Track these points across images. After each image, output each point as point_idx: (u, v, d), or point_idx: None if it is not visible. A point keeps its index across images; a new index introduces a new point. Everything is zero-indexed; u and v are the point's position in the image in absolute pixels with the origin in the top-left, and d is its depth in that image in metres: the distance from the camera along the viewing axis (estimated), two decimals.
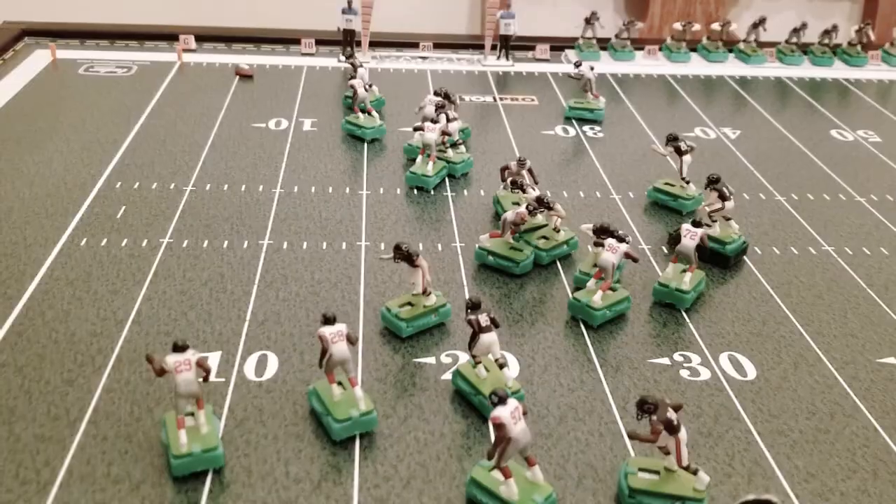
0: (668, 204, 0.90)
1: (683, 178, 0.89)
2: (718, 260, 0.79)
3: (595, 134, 1.09)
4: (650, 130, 1.11)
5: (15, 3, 1.42)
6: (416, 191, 0.91)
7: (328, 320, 0.56)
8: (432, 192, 0.91)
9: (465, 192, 0.92)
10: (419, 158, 0.93)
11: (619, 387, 0.63)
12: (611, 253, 0.69)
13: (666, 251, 0.82)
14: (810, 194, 0.95)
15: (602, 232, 0.72)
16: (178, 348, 0.53)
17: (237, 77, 1.20)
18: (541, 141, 1.07)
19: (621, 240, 0.70)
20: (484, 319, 0.59)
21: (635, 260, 0.70)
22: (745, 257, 0.81)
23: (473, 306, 0.59)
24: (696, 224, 0.73)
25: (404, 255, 0.66)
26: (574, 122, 1.12)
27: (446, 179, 0.94)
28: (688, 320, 0.71)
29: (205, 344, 0.65)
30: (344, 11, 1.24)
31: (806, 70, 1.37)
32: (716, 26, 1.38)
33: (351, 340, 0.57)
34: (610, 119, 1.14)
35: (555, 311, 0.72)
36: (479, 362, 0.60)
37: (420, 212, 0.87)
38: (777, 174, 1.00)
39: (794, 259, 0.82)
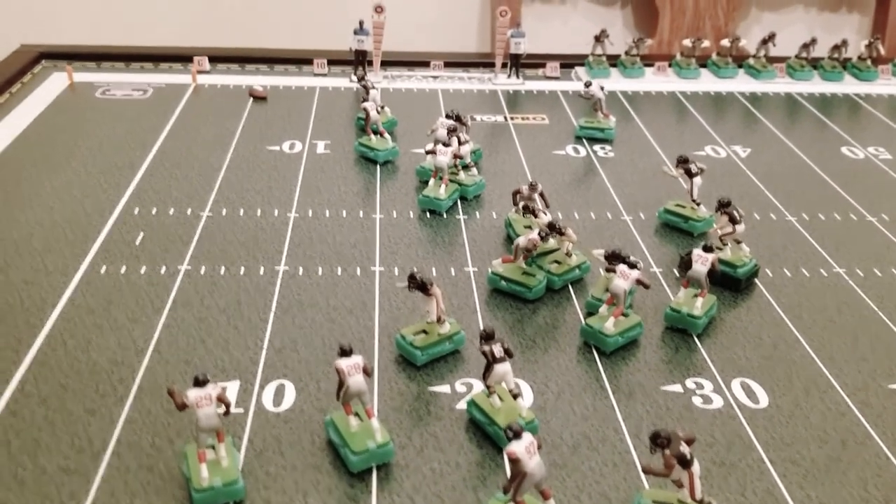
0: (679, 226, 0.90)
1: (694, 200, 0.90)
2: (730, 283, 0.80)
3: (606, 153, 1.10)
4: (661, 149, 1.11)
5: (32, 26, 1.44)
6: (428, 214, 0.92)
7: (345, 352, 0.57)
8: (445, 215, 0.92)
9: (478, 214, 0.93)
10: (431, 181, 0.94)
11: (631, 414, 0.64)
12: (622, 279, 0.70)
13: (677, 274, 0.83)
14: (821, 214, 0.96)
15: (613, 258, 0.72)
16: (199, 383, 0.54)
17: (251, 98, 1.22)
18: (552, 161, 1.08)
19: (632, 266, 0.70)
20: (498, 350, 0.60)
21: (646, 286, 0.71)
22: (756, 280, 0.82)
23: (487, 336, 0.60)
24: (707, 249, 0.73)
25: (419, 285, 0.67)
26: (585, 141, 1.13)
27: (458, 202, 0.95)
28: (700, 346, 0.72)
29: (223, 373, 0.66)
30: (356, 32, 1.26)
31: (816, 85, 1.38)
32: (725, 42, 1.38)
33: (367, 372, 0.58)
34: (620, 138, 1.15)
35: (567, 336, 0.73)
36: (494, 392, 0.61)
37: (433, 235, 0.88)
38: (788, 193, 1.00)
39: (805, 281, 0.82)
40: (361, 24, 1.25)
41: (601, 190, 1.00)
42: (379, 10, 1.24)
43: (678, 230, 0.91)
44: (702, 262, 0.73)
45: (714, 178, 1.02)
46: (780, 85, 1.37)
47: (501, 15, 1.25)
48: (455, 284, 0.80)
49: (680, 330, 0.74)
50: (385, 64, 1.35)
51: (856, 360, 0.71)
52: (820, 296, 0.80)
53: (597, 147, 1.12)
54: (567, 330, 0.73)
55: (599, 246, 0.85)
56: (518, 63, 1.32)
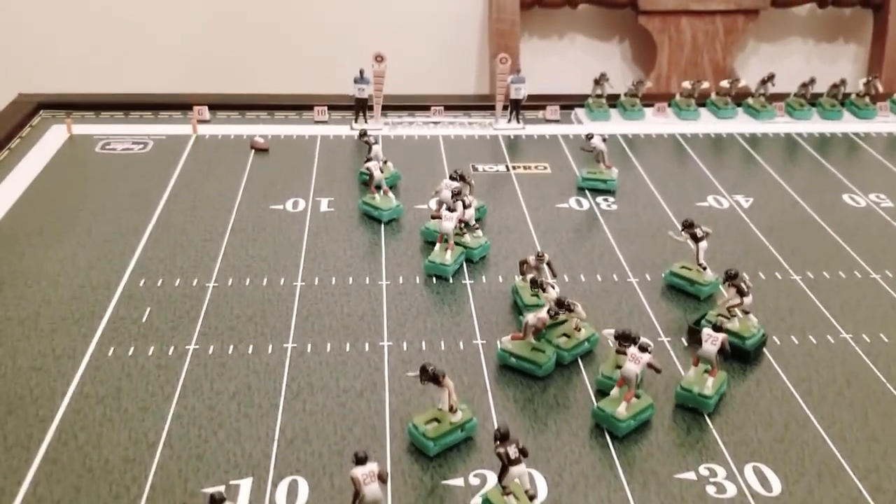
0: (686, 289, 0.91)
1: (700, 264, 0.90)
2: (738, 354, 0.80)
3: (609, 206, 1.10)
4: (663, 201, 1.11)
5: (30, 73, 1.44)
6: (434, 279, 0.92)
7: (360, 460, 0.57)
8: (451, 280, 0.92)
9: (484, 278, 0.93)
10: (437, 246, 0.94)
11: None
12: (634, 364, 0.70)
13: (685, 343, 0.83)
14: (825, 272, 0.96)
15: (624, 339, 0.72)
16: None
17: (252, 150, 1.22)
18: (555, 215, 1.08)
19: (644, 349, 0.71)
20: (513, 451, 0.60)
21: (658, 371, 0.71)
22: (764, 349, 0.82)
23: (502, 437, 0.60)
24: (717, 328, 0.73)
25: (431, 377, 0.67)
26: (587, 192, 1.14)
27: (464, 265, 0.95)
28: (711, 426, 0.72)
29: (236, 469, 0.66)
30: (356, 81, 1.26)
31: (815, 125, 1.38)
32: (725, 83, 1.39)
33: (382, 479, 0.58)
34: (623, 188, 1.15)
35: (579, 417, 0.73)
36: (510, 493, 0.61)
37: (440, 303, 0.88)
38: (792, 249, 1.01)
39: (812, 349, 0.83)
40: (362, 72, 1.25)
41: (606, 248, 1.00)
42: (379, 59, 1.24)
43: (685, 293, 0.91)
44: (712, 342, 0.73)
45: (718, 232, 1.01)
46: (780, 125, 1.38)
47: (501, 62, 1.25)
48: (464, 359, 0.80)
49: (691, 408, 0.74)
50: (386, 108, 1.35)
51: (866, 440, 0.71)
52: (828, 366, 0.80)
53: (599, 199, 1.12)
54: (578, 410, 0.73)
55: (608, 314, 0.85)
56: (518, 108, 1.32)
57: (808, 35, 1.72)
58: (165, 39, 1.68)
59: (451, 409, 0.68)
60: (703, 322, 0.83)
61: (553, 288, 0.82)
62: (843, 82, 1.39)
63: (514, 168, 1.20)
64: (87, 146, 1.23)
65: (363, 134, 1.12)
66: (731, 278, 0.80)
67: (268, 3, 1.69)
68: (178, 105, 1.36)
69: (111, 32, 1.67)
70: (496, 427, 0.61)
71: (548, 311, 0.76)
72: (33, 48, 1.57)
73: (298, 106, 1.37)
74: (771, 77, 1.38)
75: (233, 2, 1.70)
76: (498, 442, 0.60)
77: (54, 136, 1.25)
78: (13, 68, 1.51)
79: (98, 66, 1.59)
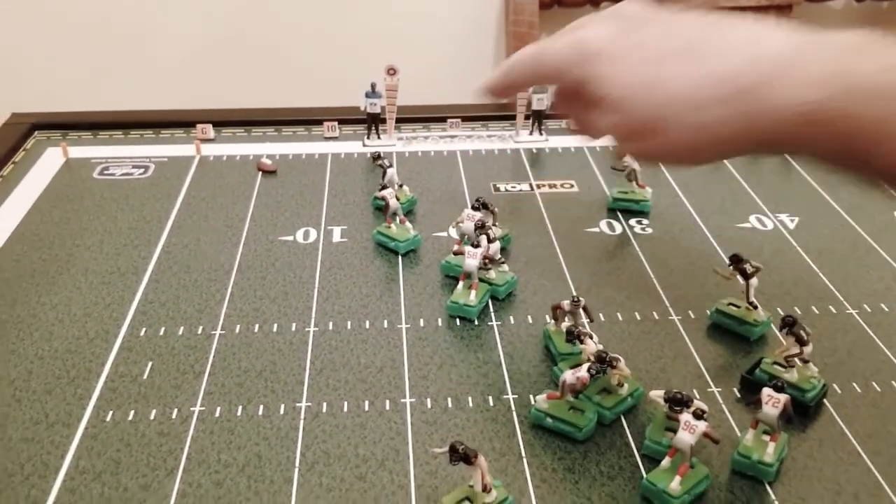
0: (734, 329, 0.83)
1: (750, 302, 0.83)
2: (798, 409, 0.72)
3: (643, 229, 1.02)
4: (701, 222, 1.03)
5: (23, 92, 1.37)
6: (458, 321, 0.85)
7: None
8: (476, 322, 0.85)
9: (511, 319, 0.85)
10: (460, 284, 0.87)
11: None
12: (688, 433, 0.63)
13: (737, 394, 0.75)
14: (884, 304, 0.88)
15: (675, 403, 0.65)
16: None
17: (260, 172, 1.15)
18: (586, 241, 1.00)
19: (699, 417, 0.63)
20: None
21: (716, 441, 0.63)
22: (825, 400, 0.75)
23: None
24: (779, 389, 0.66)
25: (462, 457, 0.60)
26: (619, 214, 1.06)
27: (489, 303, 0.88)
28: (773, 497, 0.65)
29: None
30: (367, 95, 1.18)
31: None
32: None
33: None
34: (657, 208, 1.06)
35: (626, 490, 0.65)
36: None
37: (465, 350, 0.81)
38: (845, 277, 0.93)
39: (877, 399, 0.75)
40: (374, 86, 1.17)
41: (643, 280, 0.92)
42: (392, 71, 1.16)
43: (733, 334, 0.83)
44: (773, 404, 0.66)
45: (764, 259, 0.92)
46: None
47: None
48: (495, 419, 0.73)
49: (749, 476, 0.67)
50: (400, 121, 1.27)
51: None
52: (895, 418, 0.73)
53: (633, 221, 1.04)
54: (625, 481, 0.66)
55: (651, 361, 0.78)
56: (541, 119, 1.24)
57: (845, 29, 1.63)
58: (165, 53, 1.60)
59: (485, 490, 0.62)
60: (757, 372, 0.76)
61: (591, 338, 0.74)
62: None
63: (538, 187, 1.13)
64: (85, 171, 1.16)
65: (377, 157, 1.05)
66: (789, 326, 0.73)
67: (272, 15, 1.61)
68: (180, 123, 1.28)
69: (108, 47, 1.60)
70: None
71: (588, 370, 0.69)
72: (27, 66, 1.50)
73: (307, 121, 1.29)
74: None
75: (236, 12, 1.62)
76: None
77: (49, 161, 1.18)
78: (6, 87, 1.44)
79: (95, 82, 1.52)
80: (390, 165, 1.04)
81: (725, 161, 1.19)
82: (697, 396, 0.74)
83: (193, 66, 1.58)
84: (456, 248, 0.92)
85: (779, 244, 1.00)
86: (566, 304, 0.78)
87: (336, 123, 1.26)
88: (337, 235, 1.01)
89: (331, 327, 0.84)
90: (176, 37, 1.60)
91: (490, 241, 0.88)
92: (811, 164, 0.81)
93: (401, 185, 1.05)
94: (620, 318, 0.86)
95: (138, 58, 1.58)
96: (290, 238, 1.00)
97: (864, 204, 1.09)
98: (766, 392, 0.66)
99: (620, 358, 0.71)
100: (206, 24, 1.60)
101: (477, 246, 0.86)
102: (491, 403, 0.74)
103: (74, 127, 1.27)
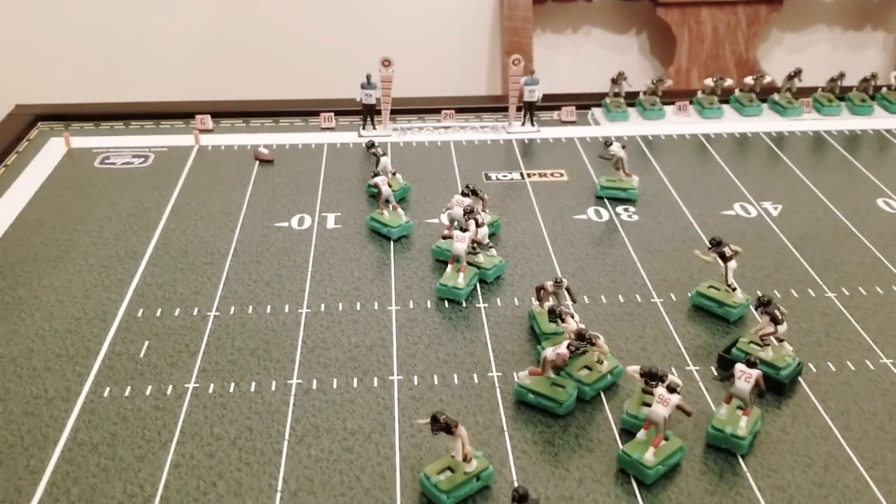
0: (714, 311, 0.85)
1: (729, 285, 0.85)
2: (773, 386, 0.74)
3: (630, 216, 1.04)
4: (687, 209, 1.06)
5: (27, 83, 1.40)
6: (446, 303, 0.88)
7: None
8: (464, 304, 0.88)
9: (499, 301, 0.88)
10: (449, 268, 0.89)
11: None
12: (662, 406, 0.65)
13: (715, 373, 0.78)
14: (862, 288, 0.90)
15: (651, 378, 0.67)
16: None
17: (257, 161, 1.17)
18: (573, 228, 1.02)
19: (672, 390, 0.66)
20: None
21: (688, 414, 0.66)
22: (800, 378, 0.77)
23: (521, 499, 0.55)
24: (751, 364, 0.68)
25: (443, 427, 0.62)
26: (606, 201, 1.08)
27: (478, 286, 0.90)
28: (745, 469, 0.67)
29: None
30: (363, 86, 1.20)
31: (844, 121, 1.31)
32: (749, 80, 1.32)
33: None
34: (644, 196, 1.09)
35: (603, 461, 0.68)
36: None
37: (452, 330, 0.84)
38: (825, 263, 0.95)
39: (851, 378, 0.77)
40: (369, 77, 1.20)
41: (628, 265, 0.94)
42: (386, 63, 1.19)
43: (713, 315, 0.86)
44: (745, 379, 0.68)
45: (746, 245, 0.96)
46: (808, 122, 1.31)
47: (514, 64, 1.19)
48: (479, 395, 0.75)
49: (723, 449, 0.69)
50: (395, 112, 1.30)
51: None
52: (868, 397, 0.75)
53: (620, 209, 1.06)
54: (602, 453, 0.69)
55: (632, 340, 0.80)
56: (533, 110, 1.26)
57: (834, 23, 1.65)
58: (165, 47, 1.63)
59: (466, 459, 0.64)
60: (734, 351, 0.78)
61: (573, 317, 0.76)
62: (873, 76, 1.32)
63: (528, 176, 1.15)
64: (86, 161, 1.19)
65: (371, 146, 1.07)
66: (764, 305, 0.75)
67: (270, 7, 1.64)
68: (180, 114, 1.31)
69: (110, 41, 1.63)
70: (514, 487, 0.57)
71: (568, 347, 0.71)
72: (31, 59, 1.53)
73: (304, 112, 1.32)
74: (798, 72, 1.31)
75: (235, 6, 1.65)
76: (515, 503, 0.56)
77: (52, 151, 1.21)
78: (10, 79, 1.47)
79: (97, 74, 1.54)
80: (384, 154, 1.07)
81: (713, 151, 1.21)
82: (675, 374, 0.77)
83: (193, 58, 1.60)
84: (446, 232, 0.94)
85: (761, 231, 1.02)
86: (549, 284, 0.80)
87: (332, 114, 1.29)
88: (331, 222, 1.03)
89: (323, 309, 0.86)
90: (176, 30, 1.63)
91: (479, 225, 0.91)
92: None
93: (394, 173, 1.08)
94: (604, 301, 0.88)
95: (139, 51, 1.61)
96: (286, 224, 1.02)
97: (847, 192, 1.11)
98: (739, 368, 0.68)
99: (600, 336, 0.73)
100: (206, 18, 1.62)
101: (465, 230, 0.89)
102: (476, 381, 0.77)
103: (77, 118, 1.30)
